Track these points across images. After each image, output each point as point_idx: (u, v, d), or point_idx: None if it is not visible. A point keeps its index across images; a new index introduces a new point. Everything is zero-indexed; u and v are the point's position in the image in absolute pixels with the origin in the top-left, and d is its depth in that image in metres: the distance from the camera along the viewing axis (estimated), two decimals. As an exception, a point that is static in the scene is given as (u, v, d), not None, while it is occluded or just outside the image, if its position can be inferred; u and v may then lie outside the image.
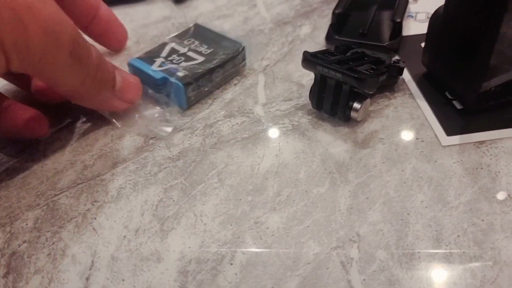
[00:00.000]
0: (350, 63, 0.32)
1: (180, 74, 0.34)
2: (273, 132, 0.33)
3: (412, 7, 0.43)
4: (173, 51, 0.37)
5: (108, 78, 0.32)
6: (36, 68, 0.27)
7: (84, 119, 0.35)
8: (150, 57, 0.36)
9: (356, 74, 0.30)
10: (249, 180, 0.30)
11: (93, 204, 0.30)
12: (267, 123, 0.34)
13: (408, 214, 0.28)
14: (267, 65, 0.38)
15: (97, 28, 0.38)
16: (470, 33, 0.30)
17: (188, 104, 0.35)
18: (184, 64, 0.35)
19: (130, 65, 0.36)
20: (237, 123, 0.34)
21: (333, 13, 0.39)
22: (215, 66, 0.35)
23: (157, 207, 0.29)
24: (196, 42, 0.37)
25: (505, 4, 0.27)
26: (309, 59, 0.31)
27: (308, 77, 0.37)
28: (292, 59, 0.39)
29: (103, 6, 0.38)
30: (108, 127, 0.34)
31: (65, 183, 0.31)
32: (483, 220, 0.27)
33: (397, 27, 0.38)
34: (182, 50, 0.37)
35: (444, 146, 0.31)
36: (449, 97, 0.34)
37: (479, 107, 0.32)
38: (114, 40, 0.40)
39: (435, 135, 0.32)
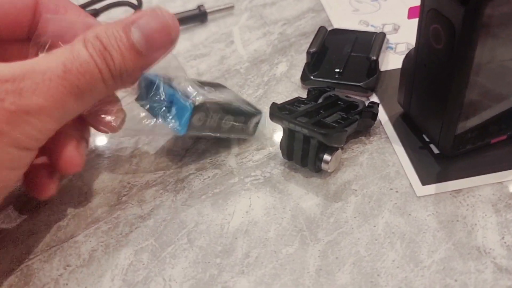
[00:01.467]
0: (321, 111, 0.32)
1: (195, 97, 0.30)
2: (245, 186, 0.32)
3: (392, 38, 0.42)
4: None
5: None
6: None
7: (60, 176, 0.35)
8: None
9: (322, 130, 0.29)
10: (219, 240, 0.30)
11: (65, 269, 0.30)
12: (239, 175, 0.33)
13: (378, 275, 0.27)
14: (242, 110, 0.38)
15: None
16: (440, 76, 0.29)
17: (186, 130, 0.31)
18: (202, 91, 0.32)
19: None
20: (209, 177, 0.33)
21: (308, 52, 0.38)
22: (232, 106, 0.32)
23: (127, 272, 0.29)
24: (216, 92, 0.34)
25: (471, 55, 0.26)
26: (276, 114, 0.30)
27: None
28: (267, 102, 0.38)
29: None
30: (83, 185, 0.34)
31: (39, 246, 0.31)
32: (456, 280, 0.26)
33: (373, 65, 0.36)
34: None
35: (419, 197, 0.30)
36: (426, 140, 0.33)
37: (455, 152, 0.31)
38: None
39: (410, 184, 0.31)
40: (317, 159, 0.31)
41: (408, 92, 0.33)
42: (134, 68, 0.28)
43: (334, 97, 0.33)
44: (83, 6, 0.45)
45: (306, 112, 0.31)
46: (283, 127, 0.31)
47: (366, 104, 0.33)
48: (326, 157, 0.31)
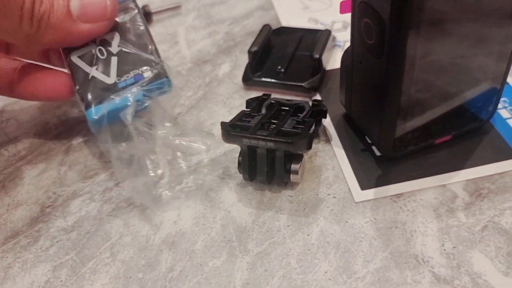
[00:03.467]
0: (273, 120, 0.29)
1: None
2: (175, 194, 0.30)
3: (339, 36, 0.40)
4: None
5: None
6: None
7: (-18, 186, 0.33)
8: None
9: (289, 139, 0.26)
10: (143, 253, 0.28)
11: (-22, 288, 0.27)
12: (170, 183, 0.31)
13: (308, 288, 0.25)
14: (179, 113, 0.36)
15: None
16: (375, 74, 0.27)
17: (97, 120, 0.29)
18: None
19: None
20: (139, 184, 0.31)
21: (249, 52, 0.36)
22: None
23: (43, 290, 0.27)
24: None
25: (402, 50, 0.25)
26: (232, 134, 0.27)
27: (219, 126, 0.34)
28: (206, 105, 0.36)
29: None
30: (5, 195, 0.32)
31: (-47, 264, 0.29)
32: (389, 292, 0.24)
33: (316, 64, 0.35)
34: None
35: (357, 203, 0.28)
36: (369, 141, 0.31)
37: (397, 154, 0.30)
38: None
39: (349, 189, 0.29)
40: (285, 172, 0.28)
41: (348, 91, 0.31)
42: (57, 24, 0.28)
43: (276, 103, 0.31)
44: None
45: (260, 125, 0.29)
46: (241, 147, 0.28)
47: (310, 104, 0.32)
48: (295, 166, 0.28)
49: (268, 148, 0.28)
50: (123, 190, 0.31)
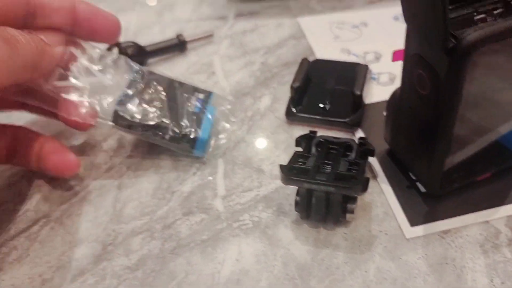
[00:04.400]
0: (326, 161, 0.31)
1: None
2: (233, 232, 0.32)
3: (374, 67, 0.42)
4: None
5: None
6: None
7: (41, 223, 0.34)
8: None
9: (347, 184, 0.29)
10: (210, 292, 0.29)
11: (51, 327, 0.29)
12: (227, 220, 0.33)
13: (372, 325, 0.27)
14: (227, 148, 0.37)
15: (82, 30, 0.36)
16: (426, 118, 0.29)
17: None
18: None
19: None
20: (196, 222, 0.33)
21: (291, 87, 0.38)
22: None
23: (116, 328, 0.28)
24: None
25: (456, 100, 0.27)
26: (293, 179, 0.29)
27: (268, 161, 0.36)
28: (252, 140, 0.38)
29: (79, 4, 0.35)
30: (66, 233, 0.33)
31: (23, 303, 0.30)
32: (448, 328, 0.27)
33: (357, 100, 0.36)
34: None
35: (408, 239, 0.30)
36: (413, 178, 0.33)
37: (443, 191, 0.32)
38: (104, 35, 0.37)
39: (399, 226, 0.31)
40: (341, 211, 0.30)
41: (394, 131, 0.33)
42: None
43: (325, 142, 0.33)
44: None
45: (316, 167, 0.30)
46: (300, 189, 0.30)
47: (357, 141, 0.33)
48: (351, 206, 0.30)
49: (327, 192, 0.29)
50: (181, 228, 0.33)
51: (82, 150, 0.39)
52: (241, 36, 0.48)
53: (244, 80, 0.43)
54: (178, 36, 0.45)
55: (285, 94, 0.41)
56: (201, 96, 0.37)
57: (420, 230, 0.31)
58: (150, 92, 0.36)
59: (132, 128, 0.35)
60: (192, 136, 0.35)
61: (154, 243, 0.32)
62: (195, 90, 0.38)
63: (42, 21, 0.34)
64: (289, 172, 0.30)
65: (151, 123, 0.35)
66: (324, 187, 0.29)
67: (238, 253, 0.31)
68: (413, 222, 0.31)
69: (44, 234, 0.34)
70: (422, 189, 0.33)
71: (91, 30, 0.36)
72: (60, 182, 0.37)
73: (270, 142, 0.37)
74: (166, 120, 0.35)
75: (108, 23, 0.37)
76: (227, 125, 0.39)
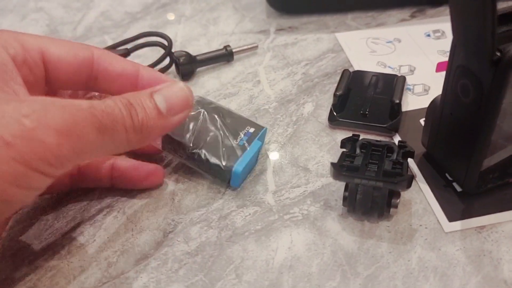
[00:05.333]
0: (371, 160, 0.34)
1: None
2: (285, 223, 0.35)
3: (408, 79, 0.45)
4: None
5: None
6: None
7: (105, 212, 0.37)
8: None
9: (394, 180, 0.32)
10: (265, 275, 0.32)
11: (119, 304, 0.32)
12: (278, 213, 0.36)
13: (416, 307, 0.30)
14: (275, 149, 0.41)
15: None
16: (467, 124, 0.32)
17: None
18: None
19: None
20: (250, 214, 0.36)
21: (335, 95, 0.41)
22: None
23: (180, 306, 0.31)
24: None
25: (498, 107, 0.30)
26: (344, 174, 0.32)
27: (313, 161, 0.39)
28: (298, 142, 0.41)
29: (143, 70, 0.36)
30: (128, 222, 0.36)
31: (92, 283, 0.33)
32: (487, 312, 0.29)
33: (396, 108, 0.40)
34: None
35: (447, 233, 0.33)
36: (449, 178, 0.36)
37: (479, 191, 0.34)
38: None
39: (438, 221, 0.34)
40: (386, 206, 0.33)
41: (433, 136, 0.36)
42: (154, 125, 0.31)
43: (368, 144, 0.36)
44: (114, 46, 0.48)
45: (364, 165, 0.34)
46: (350, 185, 0.33)
47: (396, 143, 0.36)
48: (395, 201, 0.33)
49: (374, 186, 0.32)
50: (236, 219, 0.36)
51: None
52: (283, 49, 0.51)
53: (287, 88, 0.47)
54: (226, 47, 0.48)
55: (327, 101, 0.44)
56: (251, 130, 0.39)
57: (457, 225, 0.33)
58: (201, 120, 0.38)
59: (177, 152, 0.38)
60: (227, 170, 0.36)
61: (211, 231, 0.35)
62: (247, 123, 0.39)
63: (104, 86, 0.34)
64: (340, 168, 0.33)
65: (194, 151, 0.37)
66: (373, 182, 0.32)
67: (290, 241, 0.34)
68: (451, 218, 0.34)
69: (108, 222, 0.37)
70: (458, 189, 0.36)
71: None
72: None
73: (315, 144, 0.41)
74: (205, 151, 0.37)
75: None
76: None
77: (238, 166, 0.36)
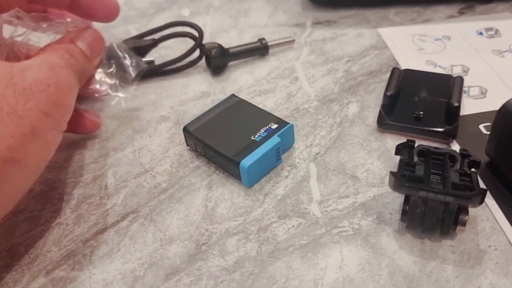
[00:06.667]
0: (433, 170, 0.30)
1: None
2: (333, 238, 0.31)
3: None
4: None
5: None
6: None
7: (130, 218, 0.34)
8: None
9: (467, 194, 0.28)
10: (314, 298, 0.28)
11: (147, 325, 0.28)
12: (325, 226, 0.32)
13: None
14: (318, 153, 0.37)
15: (80, 9, 0.37)
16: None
17: None
18: None
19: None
20: (293, 226, 0.32)
21: (385, 95, 0.37)
22: None
23: (217, 330, 0.27)
24: None
25: None
26: (407, 185, 0.28)
27: (362, 169, 0.35)
28: (343, 146, 0.37)
29: None
30: (156, 230, 0.33)
31: (116, 298, 0.29)
32: None
33: (454, 111, 0.36)
34: None
35: (520, 256, 0.29)
36: (518, 193, 0.32)
37: (553, 208, 0.31)
38: (103, 12, 0.38)
39: (509, 241, 0.30)
40: (453, 223, 0.29)
41: (502, 145, 0.32)
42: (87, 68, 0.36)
43: (427, 151, 0.32)
44: (141, 36, 0.44)
45: (428, 175, 0.30)
46: (413, 198, 0.29)
47: (458, 151, 0.33)
48: (463, 218, 0.29)
49: (442, 201, 0.29)
50: (278, 231, 0.32)
51: (166, 147, 0.39)
52: (321, 44, 0.47)
53: (328, 86, 0.43)
54: (261, 40, 0.45)
55: (373, 102, 0.40)
56: (274, 126, 0.36)
57: (531, 247, 0.30)
58: (225, 116, 0.37)
59: (197, 149, 0.37)
60: (235, 165, 0.34)
61: (250, 245, 0.31)
62: (272, 119, 0.36)
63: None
64: (402, 179, 0.29)
65: (210, 145, 0.35)
66: (441, 196, 0.28)
67: (341, 260, 0.30)
68: (524, 239, 0.30)
69: (134, 229, 0.33)
70: (529, 205, 0.32)
71: (89, 10, 0.38)
72: (146, 178, 0.36)
73: (362, 150, 0.37)
74: (219, 146, 0.35)
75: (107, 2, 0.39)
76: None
77: (246, 161, 0.33)
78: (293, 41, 0.46)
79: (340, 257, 0.30)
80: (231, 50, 0.44)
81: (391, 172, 0.29)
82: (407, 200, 0.30)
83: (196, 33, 0.44)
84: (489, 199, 0.33)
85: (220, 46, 0.43)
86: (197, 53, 0.44)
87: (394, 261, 0.30)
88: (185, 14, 0.54)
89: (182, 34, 0.44)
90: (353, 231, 0.32)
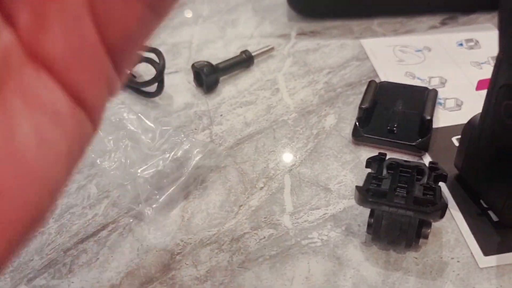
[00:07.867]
0: (399, 184, 0.31)
1: None
2: (302, 249, 0.32)
3: (439, 92, 0.42)
4: None
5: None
6: None
7: (110, 228, 0.35)
8: None
9: (427, 209, 0.29)
10: (279, 308, 0.29)
11: (120, 332, 0.29)
12: (295, 237, 0.33)
13: None
14: (293, 165, 0.38)
15: None
16: (508, 150, 0.29)
17: None
18: None
19: None
20: (265, 237, 0.33)
21: (360, 108, 0.38)
22: None
23: (186, 338, 0.29)
24: None
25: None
26: (370, 200, 0.29)
27: (335, 181, 0.36)
28: (318, 158, 0.38)
29: None
30: (134, 240, 0.34)
31: (93, 306, 0.31)
32: None
33: (427, 125, 0.36)
34: None
35: (481, 268, 0.30)
36: (485, 206, 0.33)
37: (517, 222, 0.31)
38: None
39: (472, 254, 0.31)
40: (416, 236, 0.30)
41: (469, 158, 0.33)
42: None
43: (396, 164, 0.33)
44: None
45: (392, 190, 0.30)
46: (376, 211, 0.30)
47: (427, 165, 0.33)
48: (426, 231, 0.30)
49: (404, 215, 0.29)
50: (249, 242, 0.33)
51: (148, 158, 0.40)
52: (304, 55, 0.48)
53: (308, 98, 0.44)
54: (244, 52, 0.46)
55: (350, 114, 0.41)
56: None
57: (493, 260, 0.30)
58: None
59: None
60: None
61: (222, 255, 0.33)
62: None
63: None
64: (367, 193, 0.30)
65: None
66: (402, 211, 0.29)
67: (308, 271, 0.31)
68: (487, 252, 0.31)
69: (113, 239, 0.34)
70: (494, 218, 0.32)
71: None
72: (129, 189, 0.38)
73: (337, 162, 0.38)
74: None
75: None
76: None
77: None
78: (272, 49, 0.47)
79: (307, 268, 0.31)
80: (220, 66, 0.45)
81: (357, 187, 0.30)
82: (372, 213, 0.31)
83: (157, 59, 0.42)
84: (455, 211, 0.33)
85: (209, 64, 0.44)
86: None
87: (359, 272, 0.31)
88: (187, 15, 0.56)
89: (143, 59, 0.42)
90: (321, 242, 0.33)
